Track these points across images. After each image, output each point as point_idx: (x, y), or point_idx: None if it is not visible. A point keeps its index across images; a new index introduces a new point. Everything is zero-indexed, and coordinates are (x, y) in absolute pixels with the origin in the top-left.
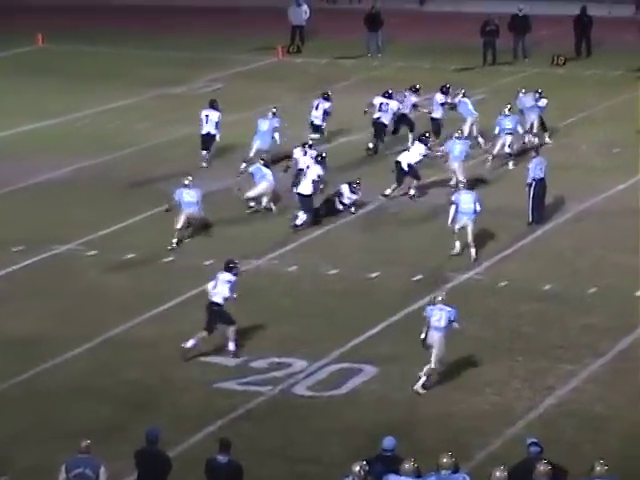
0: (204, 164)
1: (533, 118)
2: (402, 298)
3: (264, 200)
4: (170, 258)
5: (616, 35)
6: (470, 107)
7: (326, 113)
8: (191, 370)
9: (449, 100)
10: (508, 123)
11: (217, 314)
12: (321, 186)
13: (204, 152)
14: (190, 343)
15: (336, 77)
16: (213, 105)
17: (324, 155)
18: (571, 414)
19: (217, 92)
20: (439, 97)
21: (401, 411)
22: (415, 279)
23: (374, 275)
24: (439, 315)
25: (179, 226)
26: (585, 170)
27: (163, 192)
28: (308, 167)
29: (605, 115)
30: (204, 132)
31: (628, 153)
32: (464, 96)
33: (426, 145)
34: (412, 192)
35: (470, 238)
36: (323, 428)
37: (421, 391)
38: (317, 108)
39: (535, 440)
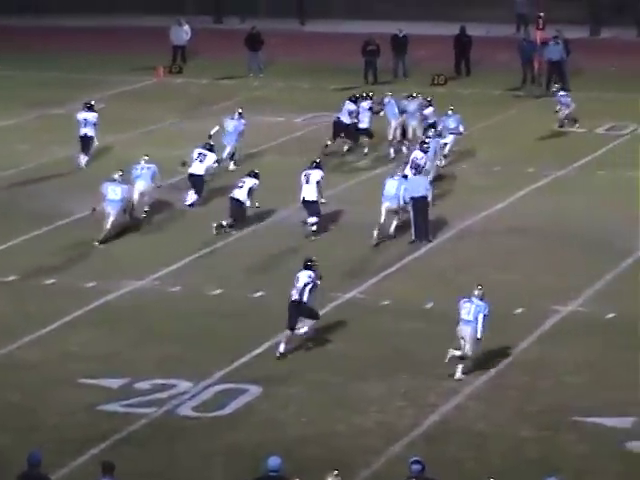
0: (82, 165)
1: (414, 125)
2: (285, 317)
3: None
4: (52, 280)
5: (494, 55)
6: (396, 110)
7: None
8: (74, 392)
9: (374, 106)
10: (452, 123)
11: (300, 310)
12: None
13: (82, 155)
14: (282, 348)
15: (217, 97)
16: (89, 107)
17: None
18: (454, 431)
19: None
20: (365, 104)
21: (286, 431)
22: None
23: (258, 294)
24: (468, 308)
25: (108, 226)
26: (466, 189)
27: (44, 213)
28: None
29: (484, 134)
30: (81, 134)
31: (508, 172)
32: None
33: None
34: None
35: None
36: (208, 449)
37: (462, 377)
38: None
39: (418, 458)
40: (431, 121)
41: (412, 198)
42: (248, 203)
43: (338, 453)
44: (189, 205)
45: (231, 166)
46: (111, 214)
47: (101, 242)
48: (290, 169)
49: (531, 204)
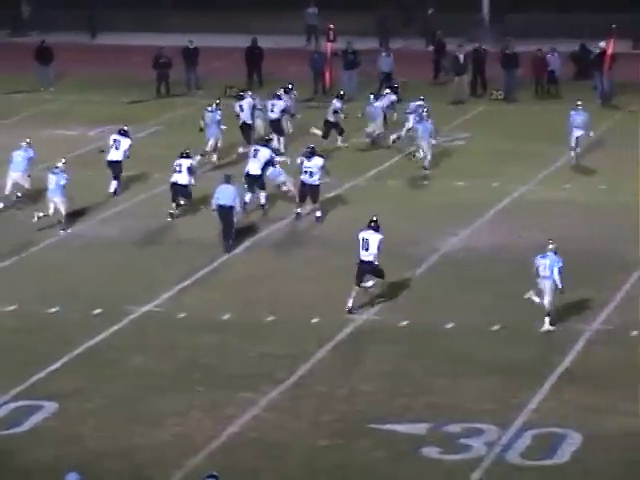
0: None
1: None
2: (82, 332)
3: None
4: None
5: (286, 66)
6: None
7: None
8: None
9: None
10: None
11: (369, 269)
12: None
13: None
14: (350, 303)
15: (7, 112)
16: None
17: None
18: (251, 442)
19: None
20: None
21: (85, 446)
22: (95, 313)
23: (53, 310)
24: (545, 264)
25: (50, 212)
26: None
27: None
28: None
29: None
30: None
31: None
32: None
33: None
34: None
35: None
36: (5, 467)
37: (551, 328)
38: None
39: (214, 473)
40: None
41: (219, 206)
42: (192, 181)
43: (138, 467)
44: (113, 193)
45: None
46: (57, 202)
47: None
48: (84, 183)
49: (325, 214)
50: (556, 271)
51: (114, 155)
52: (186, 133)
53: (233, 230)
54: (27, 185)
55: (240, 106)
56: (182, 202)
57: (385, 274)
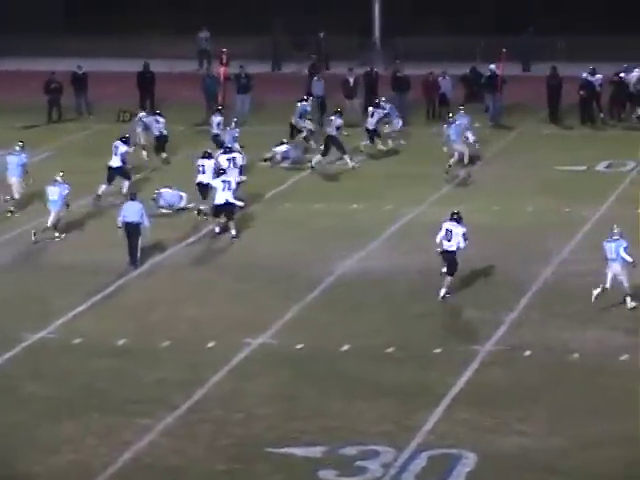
0: None
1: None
2: None
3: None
4: None
5: (179, 91)
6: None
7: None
8: None
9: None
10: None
11: (450, 259)
12: None
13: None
14: (442, 292)
15: None
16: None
17: None
18: (148, 468)
19: None
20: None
21: None
22: None
23: None
24: (610, 248)
25: (49, 224)
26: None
27: None
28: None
29: (165, 171)
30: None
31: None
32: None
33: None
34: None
35: None
36: None
37: (635, 304)
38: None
39: None
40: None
41: (126, 223)
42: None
43: None
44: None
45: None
46: (57, 213)
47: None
48: None
49: (218, 238)
50: (622, 250)
51: (114, 162)
52: (78, 157)
53: (139, 247)
54: None
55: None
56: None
57: (456, 270)
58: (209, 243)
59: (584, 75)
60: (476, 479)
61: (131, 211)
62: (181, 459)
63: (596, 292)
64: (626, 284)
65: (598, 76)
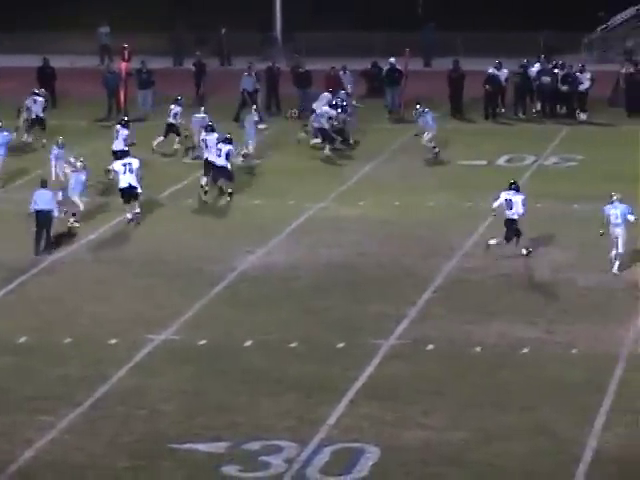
0: None
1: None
2: None
3: None
4: None
5: (81, 86)
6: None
7: None
8: None
9: None
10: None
11: (513, 227)
12: None
13: None
14: (493, 241)
15: None
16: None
17: None
18: (50, 465)
19: None
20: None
21: None
22: None
23: None
24: (615, 213)
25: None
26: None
27: None
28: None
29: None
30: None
31: (96, 202)
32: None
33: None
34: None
35: None
36: None
37: (617, 272)
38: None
39: None
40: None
41: (37, 211)
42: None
43: None
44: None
45: None
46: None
47: None
48: None
49: (121, 233)
50: (629, 215)
51: (117, 145)
52: None
53: (51, 234)
54: None
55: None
56: (225, 186)
57: (522, 234)
58: (112, 239)
59: (490, 70)
60: (379, 473)
61: (42, 199)
62: (84, 456)
63: (616, 265)
64: (621, 249)
65: (504, 70)
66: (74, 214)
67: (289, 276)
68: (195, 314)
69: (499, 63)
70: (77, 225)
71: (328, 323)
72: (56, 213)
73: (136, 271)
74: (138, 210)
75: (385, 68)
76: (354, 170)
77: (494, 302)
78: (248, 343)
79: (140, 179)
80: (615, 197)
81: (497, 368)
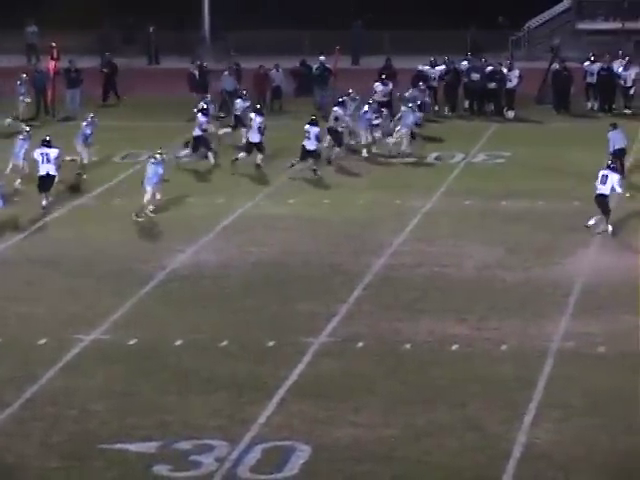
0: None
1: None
2: None
3: None
4: None
5: (8, 84)
6: None
7: None
8: None
9: None
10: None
11: (603, 201)
12: None
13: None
14: (592, 221)
15: None
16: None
17: None
18: None
19: None
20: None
21: None
22: None
23: None
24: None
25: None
26: None
27: None
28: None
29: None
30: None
31: (25, 202)
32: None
33: None
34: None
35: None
36: None
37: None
38: None
39: None
40: None
41: None
42: (318, 147)
43: None
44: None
45: None
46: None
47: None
48: None
49: (50, 234)
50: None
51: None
52: None
53: None
54: None
55: None
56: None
57: (610, 211)
58: (40, 239)
59: (426, 67)
60: (310, 471)
61: None
62: (14, 457)
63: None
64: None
65: (438, 68)
66: None
67: (219, 275)
68: (125, 314)
69: (433, 60)
70: None
71: (258, 322)
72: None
73: (65, 271)
74: (45, 203)
75: (315, 66)
76: (284, 168)
77: (423, 299)
78: (178, 342)
79: (58, 167)
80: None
81: (427, 365)
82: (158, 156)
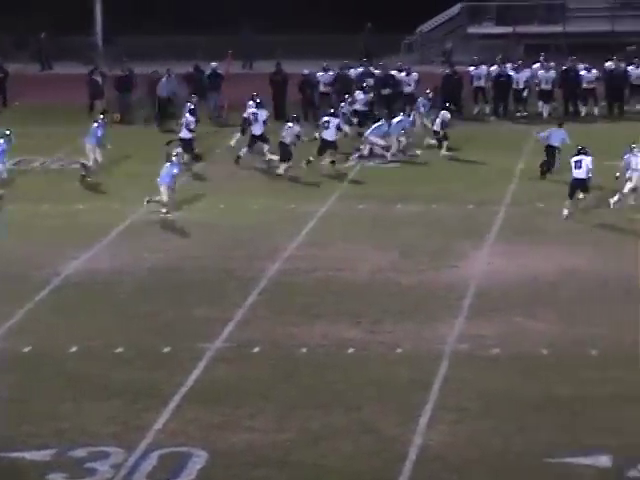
0: None
1: None
2: None
3: None
4: None
5: None
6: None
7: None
8: None
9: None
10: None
11: (581, 185)
12: None
13: None
14: (565, 212)
15: None
16: None
17: None
18: None
19: None
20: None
21: None
22: None
23: None
24: (635, 161)
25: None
26: None
27: None
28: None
29: None
30: None
31: None
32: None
33: None
34: None
35: None
36: None
37: (615, 201)
38: None
39: None
40: None
41: None
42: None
43: None
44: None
45: None
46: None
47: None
48: None
49: None
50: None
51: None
52: None
53: None
54: None
55: None
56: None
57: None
58: None
59: (306, 71)
60: (207, 476)
61: None
62: None
63: (615, 199)
64: (634, 185)
65: (330, 73)
66: None
67: (113, 281)
68: (19, 320)
69: (326, 66)
70: None
71: (153, 328)
72: None
73: None
74: None
75: (207, 73)
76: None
77: (318, 303)
78: (73, 349)
79: None
80: (634, 146)
81: (322, 369)
82: (174, 158)
